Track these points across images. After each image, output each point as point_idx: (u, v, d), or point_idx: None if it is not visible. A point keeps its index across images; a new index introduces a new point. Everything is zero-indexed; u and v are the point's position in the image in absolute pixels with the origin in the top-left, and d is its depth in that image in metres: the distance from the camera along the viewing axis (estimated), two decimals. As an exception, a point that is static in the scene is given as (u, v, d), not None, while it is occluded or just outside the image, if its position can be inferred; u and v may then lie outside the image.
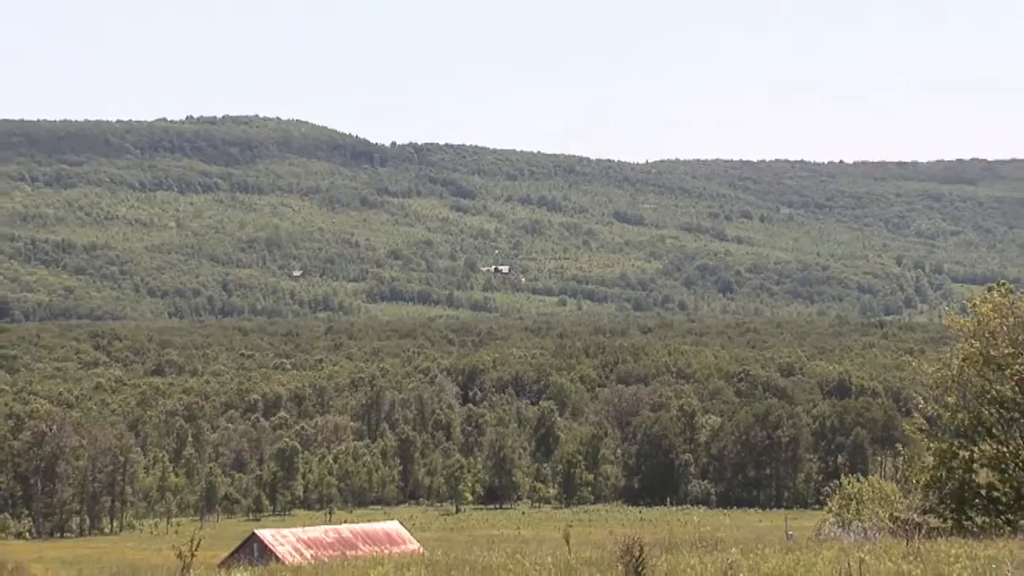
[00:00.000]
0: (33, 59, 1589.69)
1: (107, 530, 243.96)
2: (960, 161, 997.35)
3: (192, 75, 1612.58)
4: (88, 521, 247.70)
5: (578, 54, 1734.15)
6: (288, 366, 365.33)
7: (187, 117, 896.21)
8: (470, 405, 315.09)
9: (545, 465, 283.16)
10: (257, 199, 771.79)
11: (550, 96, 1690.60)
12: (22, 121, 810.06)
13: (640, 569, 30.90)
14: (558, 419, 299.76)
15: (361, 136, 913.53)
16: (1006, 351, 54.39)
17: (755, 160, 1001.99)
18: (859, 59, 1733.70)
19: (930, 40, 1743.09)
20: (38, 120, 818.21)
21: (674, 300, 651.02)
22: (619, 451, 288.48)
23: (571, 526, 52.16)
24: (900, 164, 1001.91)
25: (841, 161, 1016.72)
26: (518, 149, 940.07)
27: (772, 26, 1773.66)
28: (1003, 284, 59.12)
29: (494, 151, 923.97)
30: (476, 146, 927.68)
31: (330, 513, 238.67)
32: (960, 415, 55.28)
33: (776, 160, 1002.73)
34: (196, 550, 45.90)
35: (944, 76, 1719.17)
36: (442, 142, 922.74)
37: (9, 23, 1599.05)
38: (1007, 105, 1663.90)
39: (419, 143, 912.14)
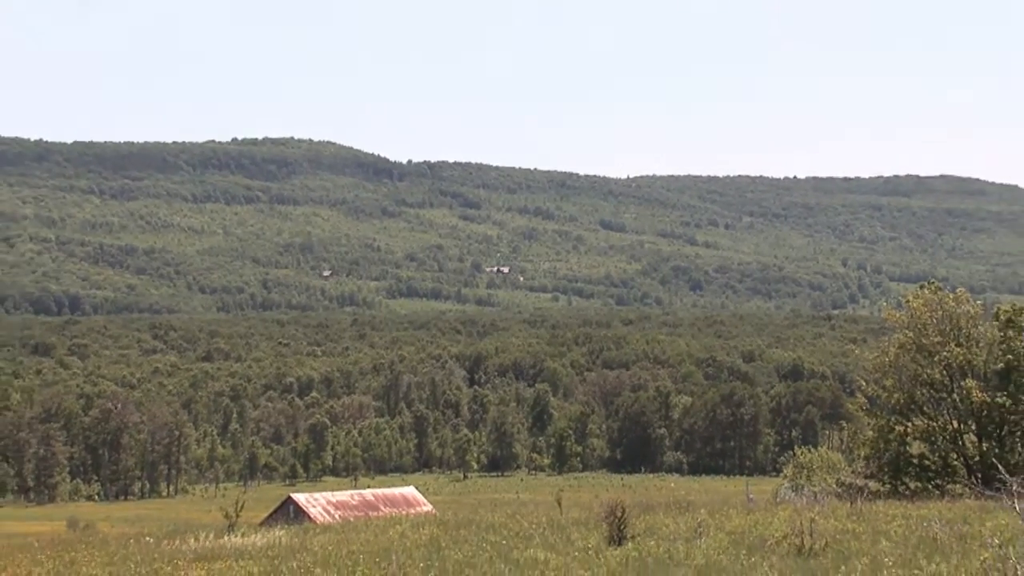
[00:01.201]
0: (102, 90, 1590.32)
1: (164, 493, 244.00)
2: (896, 176, 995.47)
3: (237, 103, 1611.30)
4: (148, 486, 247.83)
5: (568, 86, 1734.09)
6: (319, 353, 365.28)
7: (232, 139, 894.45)
8: (476, 387, 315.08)
9: (540, 438, 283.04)
10: (292, 209, 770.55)
11: (545, 120, 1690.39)
12: (92, 143, 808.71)
13: (622, 527, 30.90)
14: (551, 399, 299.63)
15: (382, 155, 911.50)
16: (935, 340, 54.42)
17: (721, 176, 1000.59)
18: (813, 93, 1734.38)
19: (875, 74, 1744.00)
20: (105, 142, 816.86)
21: (651, 296, 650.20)
22: (604, 426, 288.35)
23: (562, 491, 52.23)
24: (845, 179, 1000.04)
25: (795, 176, 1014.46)
26: (517, 166, 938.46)
27: (740, 65, 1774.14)
28: (933, 283, 59.12)
29: (496, 168, 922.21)
30: (481, 163, 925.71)
31: (355, 479, 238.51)
32: (896, 395, 55.28)
33: (739, 176, 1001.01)
34: (240, 511, 46.00)
35: (884, 105, 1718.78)
36: (451, 160, 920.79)
37: (81, 62, 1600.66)
38: (937, 129, 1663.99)
39: (432, 161, 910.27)
